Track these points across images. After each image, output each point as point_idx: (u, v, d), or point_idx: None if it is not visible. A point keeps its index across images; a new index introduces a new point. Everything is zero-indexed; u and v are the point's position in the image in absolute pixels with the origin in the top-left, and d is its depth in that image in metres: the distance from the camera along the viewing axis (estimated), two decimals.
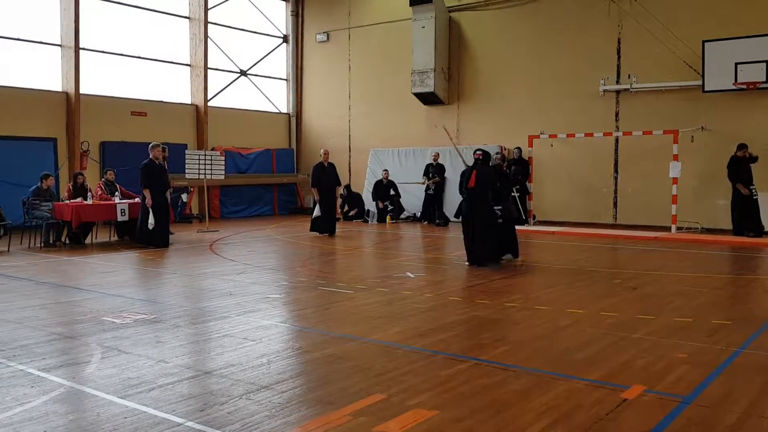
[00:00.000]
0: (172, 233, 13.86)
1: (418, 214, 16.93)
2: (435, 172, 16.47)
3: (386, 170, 17.43)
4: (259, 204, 19.54)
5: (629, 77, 14.85)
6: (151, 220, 11.38)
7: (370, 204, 17.59)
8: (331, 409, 3.73)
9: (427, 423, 3.55)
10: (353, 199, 17.67)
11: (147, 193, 11.42)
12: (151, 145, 11.81)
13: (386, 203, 17.04)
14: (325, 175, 13.59)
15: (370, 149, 18.66)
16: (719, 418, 3.63)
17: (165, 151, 14.17)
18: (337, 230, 13.84)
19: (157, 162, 11.68)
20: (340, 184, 14.37)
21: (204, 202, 17.30)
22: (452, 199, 16.84)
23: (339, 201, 15.75)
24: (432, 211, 16.27)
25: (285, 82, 21.16)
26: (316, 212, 13.46)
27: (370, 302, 6.85)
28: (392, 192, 17.11)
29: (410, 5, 17.27)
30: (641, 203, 14.79)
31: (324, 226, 13.45)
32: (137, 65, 17.20)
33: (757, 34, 13.01)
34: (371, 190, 17.58)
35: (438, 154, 16.55)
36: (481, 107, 17.17)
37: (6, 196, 12.61)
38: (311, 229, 13.58)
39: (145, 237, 11.56)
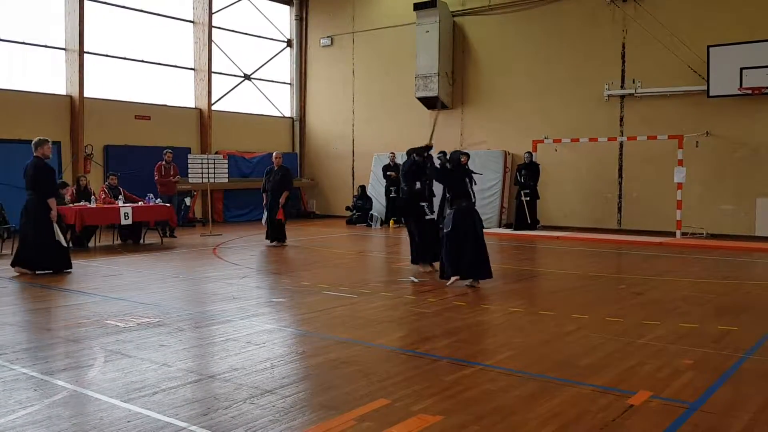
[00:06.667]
0: (176, 235, 13.96)
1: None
2: (393, 172, 16.52)
3: (393, 153, 17.31)
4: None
5: (634, 82, 14.82)
6: (59, 236, 8.99)
7: (374, 205, 17.57)
8: (334, 414, 3.71)
9: (432, 428, 3.52)
10: (366, 200, 17.69)
11: (53, 203, 8.94)
12: (37, 140, 8.97)
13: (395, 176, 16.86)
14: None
15: (373, 153, 18.65)
16: (726, 425, 3.60)
17: (169, 155, 14.33)
18: (337, 234, 13.79)
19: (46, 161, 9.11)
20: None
21: (207, 205, 17.29)
22: None
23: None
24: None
25: (289, 86, 21.16)
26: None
27: (374, 306, 6.83)
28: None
29: (414, 10, 17.27)
30: (646, 208, 14.73)
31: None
32: (141, 69, 17.22)
33: (763, 39, 12.97)
34: (378, 171, 17.50)
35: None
36: (485, 112, 17.14)
37: (9, 199, 12.58)
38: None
39: (53, 261, 8.95)
